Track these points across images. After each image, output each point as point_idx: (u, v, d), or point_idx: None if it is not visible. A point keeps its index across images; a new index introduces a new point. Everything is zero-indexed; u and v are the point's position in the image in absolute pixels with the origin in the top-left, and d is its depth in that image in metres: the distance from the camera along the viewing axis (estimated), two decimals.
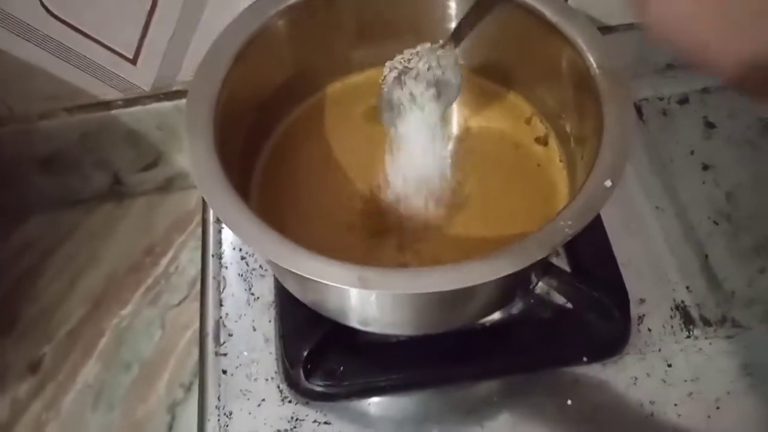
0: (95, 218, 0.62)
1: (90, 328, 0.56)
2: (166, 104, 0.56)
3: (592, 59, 0.37)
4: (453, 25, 0.44)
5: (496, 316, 0.45)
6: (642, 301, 0.45)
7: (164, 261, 0.60)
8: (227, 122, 0.37)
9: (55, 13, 0.48)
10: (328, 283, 0.31)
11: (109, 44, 0.51)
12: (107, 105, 0.56)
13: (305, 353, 0.42)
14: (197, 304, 0.49)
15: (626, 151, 0.34)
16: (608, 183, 0.33)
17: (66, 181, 0.61)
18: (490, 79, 0.46)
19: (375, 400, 0.43)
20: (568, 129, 0.42)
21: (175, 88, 0.55)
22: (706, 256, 0.46)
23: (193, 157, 0.34)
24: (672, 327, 0.44)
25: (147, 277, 0.59)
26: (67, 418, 0.52)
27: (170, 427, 0.52)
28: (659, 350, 0.43)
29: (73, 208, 0.62)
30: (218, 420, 0.42)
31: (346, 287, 0.31)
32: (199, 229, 0.54)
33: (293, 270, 0.31)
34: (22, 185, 0.60)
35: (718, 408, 0.41)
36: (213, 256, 0.48)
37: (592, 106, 0.37)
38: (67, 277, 0.59)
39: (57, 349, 0.55)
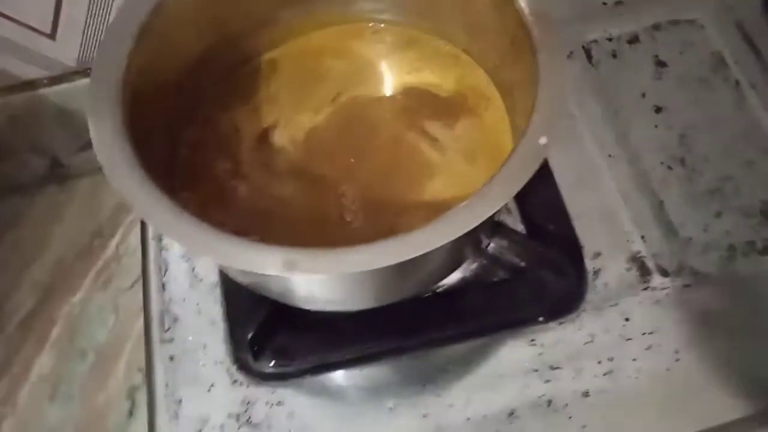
0: (38, 204, 0.60)
1: (41, 318, 0.55)
2: None
3: (523, 4, 0.35)
4: None
5: (449, 280, 0.43)
6: (597, 254, 0.44)
7: (113, 243, 0.58)
8: (140, 101, 0.34)
9: None
10: (252, 270, 0.29)
11: (22, 20, 0.48)
12: (32, 84, 0.53)
13: (251, 334, 0.40)
14: None
15: (561, 104, 0.32)
16: (543, 140, 0.31)
17: (2, 168, 0.58)
18: (423, 30, 0.43)
19: (328, 376, 0.42)
20: (508, 81, 0.39)
21: None
22: (661, 202, 0.45)
23: (98, 144, 0.31)
24: (629, 280, 0.43)
25: (97, 261, 0.57)
26: (24, 411, 0.51)
27: (130, 412, 0.51)
28: (616, 305, 0.42)
29: (15, 195, 0.59)
30: (167, 408, 0.41)
31: (273, 273, 0.29)
32: None
33: (213, 258, 0.29)
34: None
35: (677, 360, 0.41)
36: (153, 238, 0.46)
37: (526, 56, 0.34)
38: (14, 267, 0.57)
39: (8, 342, 0.54)
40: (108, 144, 0.31)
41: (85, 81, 0.53)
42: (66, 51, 0.51)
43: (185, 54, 0.39)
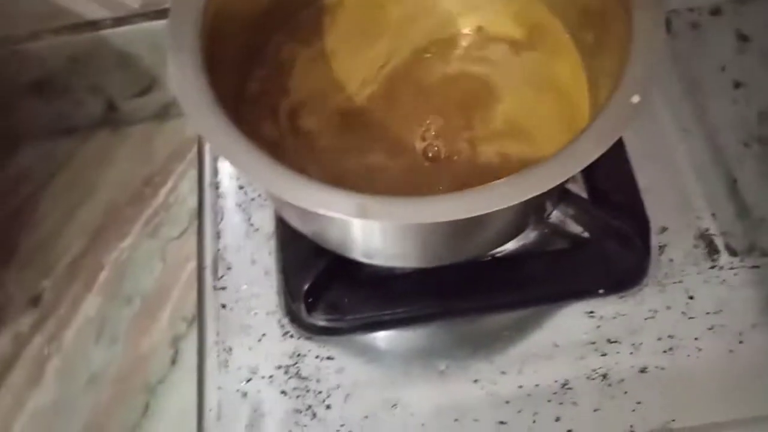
0: (90, 147, 0.59)
1: (89, 261, 0.55)
2: (158, 23, 0.53)
3: None
4: None
5: (509, 246, 0.42)
6: (664, 229, 0.42)
7: (164, 191, 0.58)
8: (216, 40, 0.34)
9: None
10: (324, 213, 0.28)
11: None
12: (95, 25, 0.52)
13: (306, 286, 0.40)
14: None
15: (656, 63, 0.30)
16: (635, 99, 0.29)
17: (58, 107, 0.58)
18: None
19: (380, 334, 0.41)
20: (590, 39, 0.38)
21: (166, 6, 0.52)
22: (735, 180, 0.43)
23: (178, 79, 0.31)
24: (695, 257, 0.42)
25: (146, 208, 0.57)
26: (69, 352, 0.51)
27: (173, 360, 0.51)
28: (681, 282, 0.41)
29: (68, 137, 0.59)
30: (218, 356, 0.41)
31: (344, 217, 0.28)
32: None
33: (286, 199, 0.28)
34: (12, 112, 0.57)
35: (741, 342, 0.39)
36: (210, 185, 0.46)
37: (619, 12, 0.33)
38: (64, 209, 0.57)
39: (57, 283, 0.54)
40: (189, 85, 0.31)
41: (148, 24, 0.53)
42: None
43: None
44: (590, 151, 0.28)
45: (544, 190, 0.28)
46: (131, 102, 0.59)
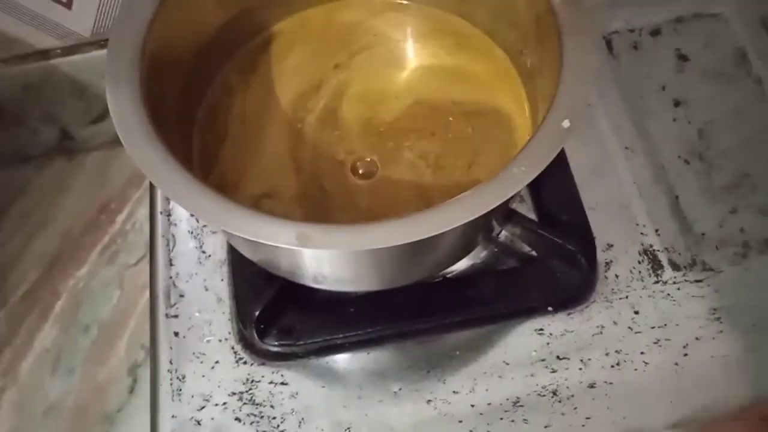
0: (47, 175, 0.59)
1: (46, 290, 0.54)
2: None
3: None
4: None
5: (459, 266, 0.43)
6: (609, 246, 0.43)
7: (120, 218, 0.58)
8: (158, 69, 0.34)
9: None
10: (266, 243, 0.28)
11: None
12: (46, 54, 0.52)
13: (258, 312, 0.40)
14: None
15: (586, 90, 0.31)
16: (566, 123, 0.30)
17: (12, 136, 0.58)
18: (447, 9, 0.42)
19: (334, 358, 0.41)
20: (528, 65, 0.39)
21: None
22: (677, 197, 0.44)
23: (113, 106, 0.31)
24: (640, 272, 0.43)
25: (103, 236, 0.57)
26: (25, 383, 0.51)
27: (131, 389, 0.51)
28: (626, 297, 0.42)
29: (23, 165, 0.59)
30: (171, 384, 0.41)
31: (286, 246, 0.28)
32: None
33: (226, 229, 0.28)
34: None
35: (686, 355, 0.40)
36: (162, 213, 0.46)
37: (553, 39, 0.34)
38: (20, 238, 0.56)
39: (12, 313, 0.53)
40: (124, 110, 0.31)
41: (99, 53, 0.53)
42: (81, 21, 0.50)
43: (204, 23, 0.39)
44: (523, 176, 0.29)
45: (478, 215, 0.28)
46: (86, 129, 0.59)
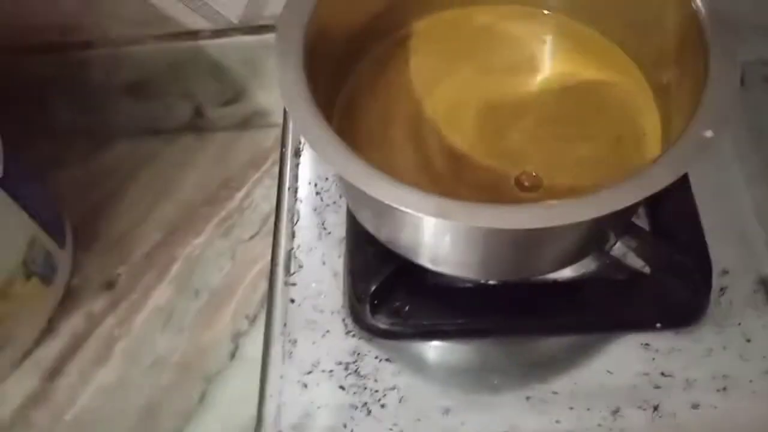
0: (175, 149, 0.63)
1: (164, 254, 0.58)
2: (252, 38, 0.56)
3: (701, 3, 0.35)
4: None
5: (568, 273, 0.44)
6: (725, 272, 0.43)
7: (239, 196, 0.61)
8: (316, 49, 0.37)
9: None
10: (406, 210, 0.30)
11: None
12: (195, 35, 0.56)
13: (372, 289, 0.42)
14: (267, 241, 0.49)
15: (730, 104, 0.32)
16: (709, 133, 0.31)
17: (151, 109, 0.62)
18: (588, 23, 0.44)
19: (438, 343, 0.43)
20: (665, 80, 0.39)
21: (261, 23, 0.56)
22: None
23: (282, 76, 0.34)
24: (755, 302, 0.42)
25: (221, 210, 0.60)
26: (137, 336, 0.54)
27: (233, 355, 0.53)
28: (739, 324, 0.41)
29: (155, 137, 0.63)
30: (282, 346, 0.43)
31: (424, 216, 0.30)
32: (275, 168, 0.55)
33: (370, 192, 0.30)
34: (109, 110, 0.62)
35: None
36: (289, 189, 0.49)
37: (696, 54, 0.35)
38: (145, 203, 0.60)
39: (132, 270, 0.57)
40: (291, 81, 0.34)
41: (243, 38, 0.57)
42: (232, 7, 0.54)
43: (357, 14, 0.41)
44: (664, 177, 0.30)
45: (618, 208, 0.29)
46: (218, 110, 0.63)
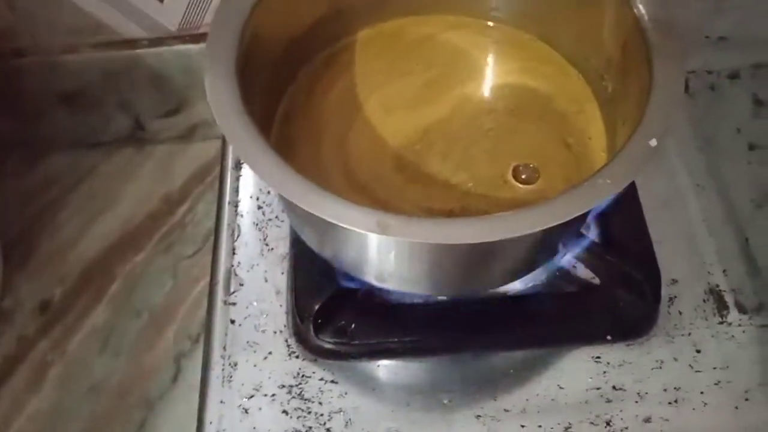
0: (115, 161, 0.61)
1: (102, 272, 0.55)
2: (192, 47, 0.55)
3: (643, 9, 0.35)
4: None
5: (519, 286, 0.43)
6: (674, 281, 0.43)
7: (181, 210, 0.59)
8: (252, 55, 0.35)
9: None
10: (344, 226, 0.29)
11: None
12: (132, 43, 0.54)
13: (316, 308, 0.40)
14: (210, 257, 0.47)
15: (674, 112, 0.31)
16: (653, 142, 0.30)
17: (88, 120, 0.60)
18: (533, 33, 0.43)
19: (385, 362, 0.41)
20: (609, 89, 0.39)
21: (201, 31, 0.54)
22: (747, 240, 0.44)
23: (211, 87, 0.32)
24: (704, 311, 0.42)
25: (162, 225, 0.58)
26: (72, 360, 0.52)
27: (175, 378, 0.51)
28: (689, 334, 0.41)
29: (94, 149, 0.61)
30: (222, 370, 0.41)
31: (363, 231, 0.29)
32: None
33: (307, 209, 0.29)
34: (45, 121, 0.59)
35: (747, 400, 0.39)
36: (229, 203, 0.47)
37: (640, 63, 0.34)
38: (83, 219, 0.58)
39: (68, 290, 0.55)
40: (222, 92, 0.32)
41: (182, 47, 0.55)
42: (171, 15, 0.53)
43: (296, 21, 0.40)
44: (608, 188, 0.29)
45: (562, 221, 0.28)
46: (158, 121, 0.61)
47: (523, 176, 0.38)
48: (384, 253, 0.34)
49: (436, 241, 0.29)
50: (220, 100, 0.31)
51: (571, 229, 0.38)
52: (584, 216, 0.31)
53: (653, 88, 0.32)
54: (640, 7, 0.35)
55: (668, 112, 0.31)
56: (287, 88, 0.41)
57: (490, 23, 0.44)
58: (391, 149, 0.39)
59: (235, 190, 0.47)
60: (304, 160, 0.38)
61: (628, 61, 0.36)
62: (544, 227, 0.28)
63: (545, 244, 0.36)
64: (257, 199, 0.47)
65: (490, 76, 0.43)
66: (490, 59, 0.43)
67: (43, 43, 0.54)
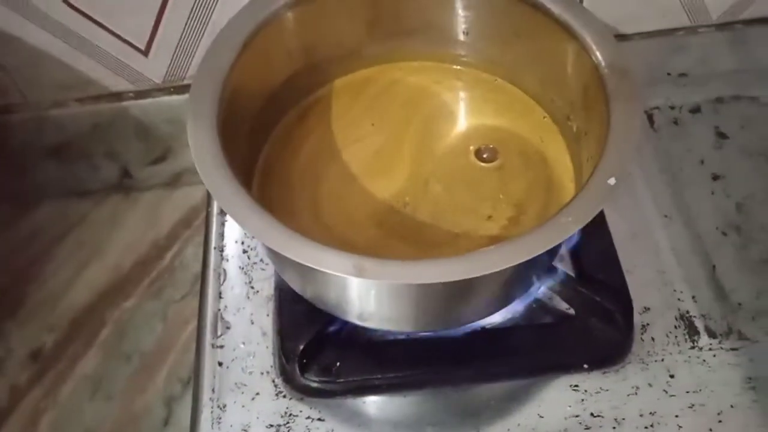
0: (104, 209, 0.62)
1: (93, 318, 0.56)
2: (177, 98, 0.56)
3: (600, 57, 0.37)
4: (462, 26, 0.44)
5: (497, 319, 0.44)
6: (646, 309, 0.44)
7: (169, 255, 0.60)
8: (232, 109, 0.37)
9: (70, 1, 0.49)
10: (322, 270, 0.30)
11: (122, 35, 0.51)
12: (118, 96, 0.56)
13: (301, 347, 0.41)
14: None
15: (632, 150, 0.33)
16: (612, 181, 0.32)
17: (76, 170, 0.61)
18: (499, 76, 0.45)
19: (370, 398, 0.42)
20: (575, 129, 0.41)
21: (185, 82, 0.56)
22: (714, 266, 0.46)
23: (194, 142, 0.34)
24: (676, 337, 0.43)
25: (151, 270, 0.59)
26: (64, 406, 0.52)
27: (166, 421, 0.52)
28: (662, 360, 0.42)
29: (83, 199, 0.62)
30: (211, 412, 0.42)
31: (341, 275, 0.30)
32: None
33: (287, 255, 0.30)
34: (34, 173, 0.60)
35: (720, 422, 0.40)
36: (215, 248, 0.48)
37: (600, 105, 0.36)
38: (73, 266, 0.59)
39: (59, 338, 0.55)
40: (203, 142, 0.34)
41: (167, 98, 0.57)
42: (156, 68, 0.54)
43: (274, 75, 0.42)
44: (570, 226, 0.31)
45: (527, 258, 0.30)
46: (145, 169, 0.62)
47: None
48: (363, 295, 0.35)
49: (409, 282, 0.31)
50: (202, 155, 0.33)
51: (541, 264, 0.39)
52: (552, 252, 0.33)
53: (611, 130, 0.34)
54: (598, 54, 0.37)
55: (625, 153, 0.33)
56: (268, 138, 0.43)
57: (458, 67, 0.46)
58: (365, 203, 0.41)
59: (221, 235, 0.49)
60: (282, 210, 0.40)
61: (590, 104, 0.38)
62: (509, 265, 0.30)
63: (518, 278, 0.38)
64: (242, 243, 0.48)
65: (463, 119, 0.45)
66: (462, 102, 0.46)
67: (32, 99, 0.55)
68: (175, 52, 0.53)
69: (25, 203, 0.61)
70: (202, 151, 0.33)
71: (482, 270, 0.30)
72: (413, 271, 0.31)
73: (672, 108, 0.53)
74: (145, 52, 0.53)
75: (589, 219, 0.31)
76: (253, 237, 0.32)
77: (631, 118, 0.34)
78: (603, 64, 0.37)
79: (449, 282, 0.31)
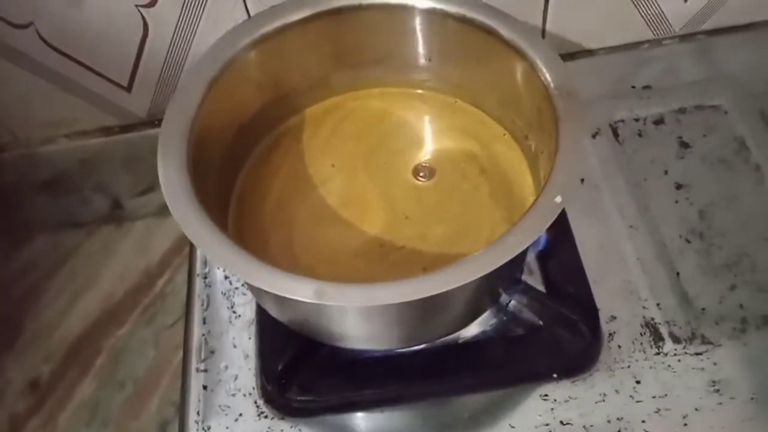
0: (96, 240, 0.64)
1: (88, 347, 0.58)
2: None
3: (549, 78, 0.39)
4: (423, 53, 0.46)
5: (470, 333, 0.46)
6: (613, 318, 0.46)
7: (160, 282, 0.62)
8: (202, 145, 0.39)
9: (53, 44, 0.51)
10: (283, 295, 0.32)
11: (104, 74, 0.54)
12: (105, 131, 0.58)
13: (280, 368, 0.43)
14: None
15: (577, 170, 0.35)
16: (558, 199, 0.34)
17: (67, 204, 0.63)
18: (462, 99, 0.47)
19: (351, 416, 0.44)
20: (533, 148, 0.43)
21: None
22: (678, 273, 0.47)
23: (164, 177, 0.36)
24: (642, 344, 0.45)
25: (144, 298, 0.61)
26: None
27: None
28: (628, 367, 0.44)
29: (75, 231, 0.64)
30: None
31: (302, 300, 0.32)
32: None
33: (251, 282, 0.32)
34: (26, 208, 0.63)
35: (685, 425, 0.42)
36: (198, 275, 0.50)
37: (551, 125, 0.38)
38: (67, 296, 0.61)
39: (56, 367, 0.57)
40: (172, 179, 0.36)
41: (152, 131, 0.59)
42: (139, 103, 0.57)
43: (244, 107, 0.44)
44: (519, 242, 0.33)
45: (477, 276, 0.32)
46: (134, 200, 0.64)
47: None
48: (334, 317, 0.37)
49: (368, 304, 0.32)
50: (173, 193, 0.35)
51: (501, 279, 0.41)
52: (511, 267, 0.35)
53: (558, 149, 0.36)
54: (547, 76, 0.39)
55: (571, 171, 0.35)
56: (242, 167, 0.45)
57: (422, 91, 0.48)
58: (343, 245, 0.43)
59: (204, 263, 0.51)
60: (255, 240, 0.42)
61: (544, 124, 0.40)
62: (462, 284, 0.31)
63: (479, 294, 0.40)
64: (224, 270, 0.50)
65: (430, 142, 0.47)
66: (427, 126, 0.48)
67: (23, 137, 0.58)
68: (156, 86, 0.56)
69: (19, 237, 0.63)
70: (172, 189, 0.35)
71: (431, 290, 0.31)
72: (371, 293, 0.32)
73: (636, 120, 0.54)
74: (128, 89, 0.55)
75: (538, 235, 0.33)
76: (220, 267, 0.34)
77: (576, 137, 0.36)
78: (552, 85, 0.39)
79: (413, 301, 0.33)
